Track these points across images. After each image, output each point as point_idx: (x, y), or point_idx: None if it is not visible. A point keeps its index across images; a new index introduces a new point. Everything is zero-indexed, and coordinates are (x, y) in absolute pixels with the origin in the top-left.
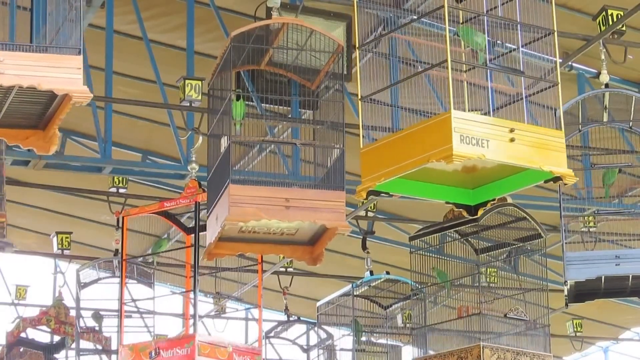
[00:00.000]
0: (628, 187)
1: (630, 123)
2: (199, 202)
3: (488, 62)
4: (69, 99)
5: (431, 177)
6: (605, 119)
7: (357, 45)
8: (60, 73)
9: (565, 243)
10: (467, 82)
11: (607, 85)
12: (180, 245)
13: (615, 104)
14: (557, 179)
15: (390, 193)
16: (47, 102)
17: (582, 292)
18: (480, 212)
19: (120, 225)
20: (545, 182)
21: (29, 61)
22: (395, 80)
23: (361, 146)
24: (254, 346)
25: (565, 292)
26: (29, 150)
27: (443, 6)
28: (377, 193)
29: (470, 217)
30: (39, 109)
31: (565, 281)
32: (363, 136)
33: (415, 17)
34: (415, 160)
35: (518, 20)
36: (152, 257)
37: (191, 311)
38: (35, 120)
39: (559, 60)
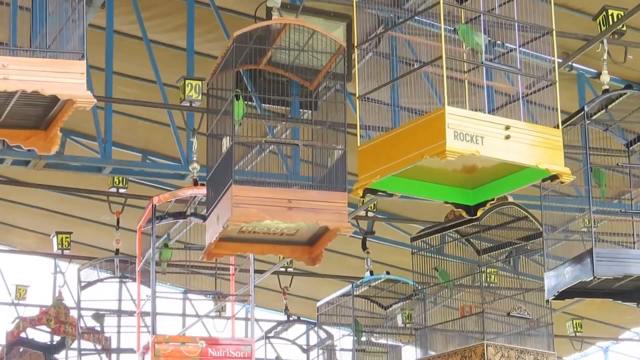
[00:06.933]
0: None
1: (608, 125)
2: (154, 204)
3: (484, 60)
4: (72, 103)
5: (430, 177)
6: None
7: (355, 45)
8: (64, 78)
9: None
10: (467, 82)
11: (629, 86)
12: (180, 245)
13: (625, 104)
14: (553, 177)
15: (388, 191)
16: (49, 105)
17: (565, 290)
18: (479, 212)
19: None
20: (543, 180)
21: (32, 66)
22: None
23: (358, 144)
24: (243, 338)
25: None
26: (29, 150)
27: (439, 3)
28: (374, 191)
29: (470, 217)
30: (40, 111)
31: (595, 276)
32: (361, 135)
33: (413, 14)
34: (410, 157)
35: (516, 19)
36: (162, 264)
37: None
38: (37, 121)
39: (557, 59)
